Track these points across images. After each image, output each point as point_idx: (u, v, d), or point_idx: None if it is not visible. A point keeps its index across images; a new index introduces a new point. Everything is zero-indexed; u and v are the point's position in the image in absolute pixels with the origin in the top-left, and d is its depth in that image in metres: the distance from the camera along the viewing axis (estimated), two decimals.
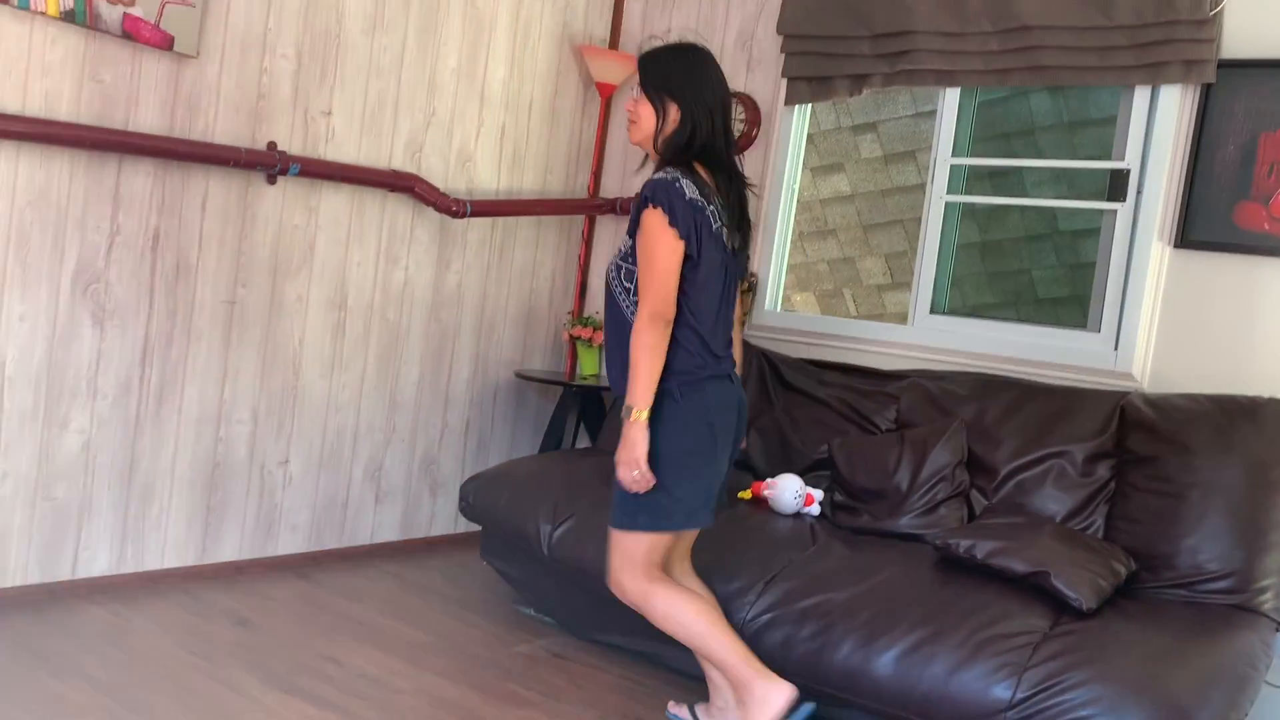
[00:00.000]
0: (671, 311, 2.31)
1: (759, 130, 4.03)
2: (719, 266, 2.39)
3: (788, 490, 3.21)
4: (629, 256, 2.39)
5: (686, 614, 2.38)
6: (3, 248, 2.78)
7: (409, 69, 3.67)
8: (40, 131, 2.75)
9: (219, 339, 3.27)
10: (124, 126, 2.96)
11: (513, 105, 4.07)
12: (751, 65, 4.07)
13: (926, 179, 3.73)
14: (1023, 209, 4.40)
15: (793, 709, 2.34)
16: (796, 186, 4.09)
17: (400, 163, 3.69)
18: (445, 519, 4.07)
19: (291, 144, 3.35)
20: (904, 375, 3.45)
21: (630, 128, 2.47)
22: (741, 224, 2.47)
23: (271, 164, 3.25)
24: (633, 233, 2.36)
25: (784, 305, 4.17)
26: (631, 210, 2.37)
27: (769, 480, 3.28)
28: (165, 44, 2.98)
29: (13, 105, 2.74)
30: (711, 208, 2.37)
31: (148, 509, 3.16)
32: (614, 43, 4.41)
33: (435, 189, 3.73)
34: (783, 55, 3.96)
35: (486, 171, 4.01)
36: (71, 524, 3.00)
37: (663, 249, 2.29)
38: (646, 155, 2.52)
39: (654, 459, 2.34)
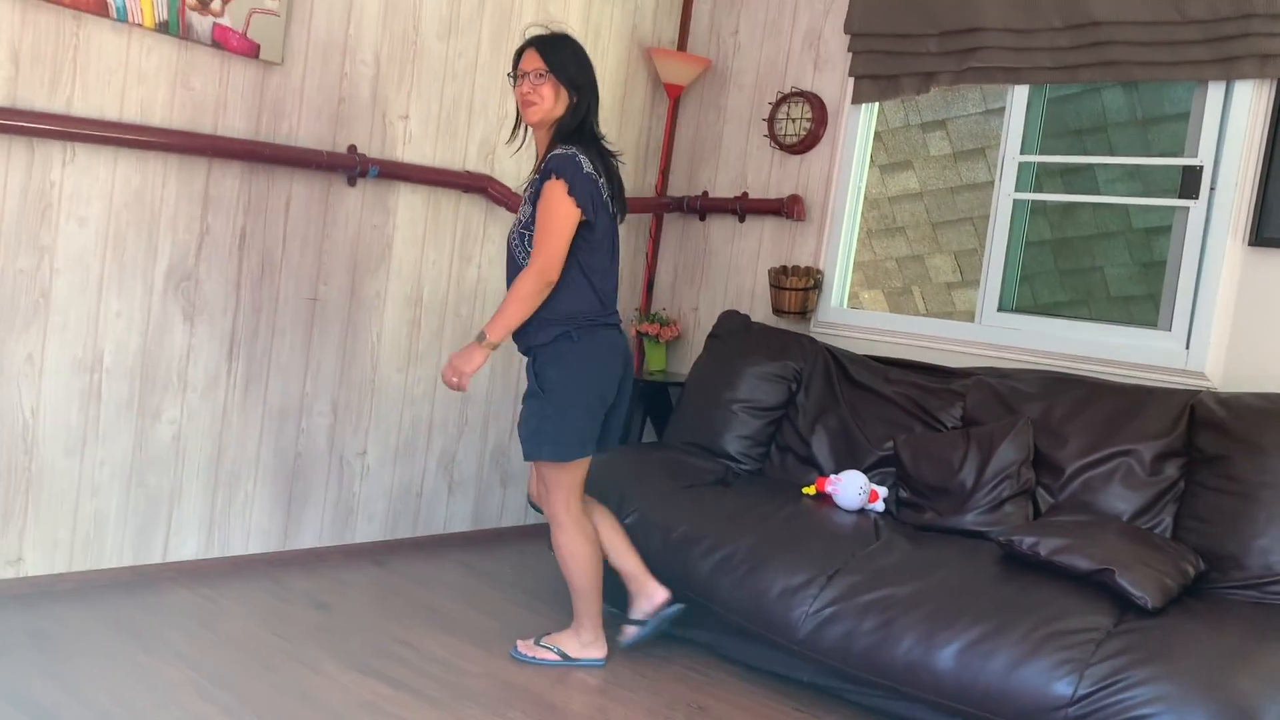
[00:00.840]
0: (557, 273, 2.63)
1: (825, 129, 4.05)
2: (608, 230, 2.75)
3: (852, 486, 3.24)
4: (531, 224, 2.68)
5: (580, 563, 2.81)
6: (101, 247, 2.93)
7: (482, 73, 3.77)
8: (136, 137, 2.90)
9: (301, 334, 3.40)
10: (213, 131, 3.10)
11: None
12: (818, 64, 4.10)
13: (995, 177, 3.71)
14: (1095, 206, 4.35)
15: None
16: (863, 185, 4.10)
17: (474, 164, 3.79)
18: (515, 510, 4.17)
19: (370, 147, 3.47)
20: (970, 372, 3.45)
21: (529, 109, 2.71)
22: (619, 194, 2.80)
23: (351, 166, 3.37)
24: (534, 201, 2.66)
25: (850, 302, 4.19)
26: (534, 182, 2.68)
27: (833, 476, 3.31)
28: (252, 52, 3.12)
29: (111, 112, 2.89)
30: (601, 180, 2.71)
31: (234, 496, 3.31)
32: (682, 44, 4.47)
33: (507, 189, 3.82)
34: (850, 54, 3.98)
35: None
36: (163, 510, 3.16)
37: (559, 215, 2.61)
38: (520, 129, 2.85)
39: (554, 393, 2.69)
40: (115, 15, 2.84)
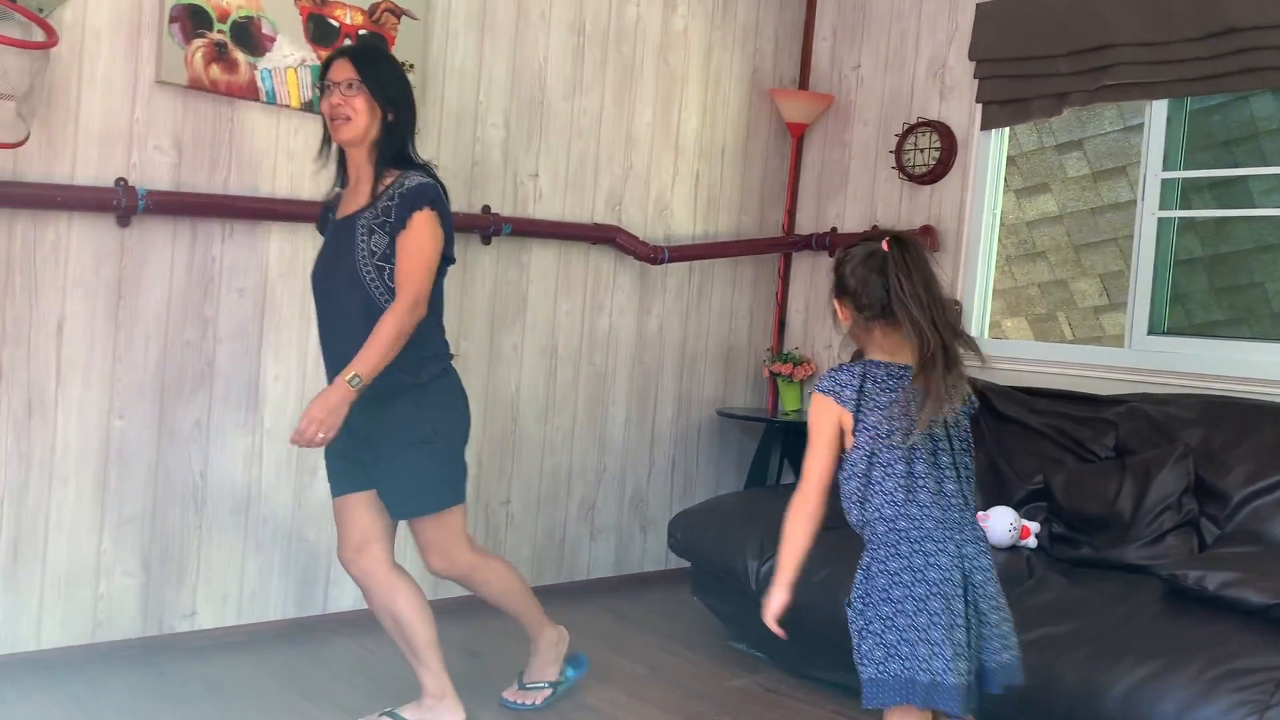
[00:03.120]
0: (425, 309, 2.44)
1: (955, 157, 3.99)
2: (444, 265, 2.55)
3: (1002, 523, 3.13)
4: (390, 256, 2.42)
5: (509, 578, 2.72)
6: (259, 317, 3.12)
7: (607, 128, 3.87)
8: (288, 210, 3.09)
9: None
10: None
11: (706, 152, 4.20)
12: (944, 93, 4.04)
13: (1138, 195, 3.58)
14: (1250, 219, 4.13)
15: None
16: (999, 211, 4.01)
17: (601, 216, 3.88)
18: (656, 555, 4.19)
19: (503, 206, 3.60)
20: (1122, 400, 3.31)
21: (343, 124, 2.43)
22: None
23: (486, 226, 3.50)
24: (393, 232, 2.40)
25: (992, 332, 4.08)
26: (393, 212, 2.41)
27: (981, 513, 3.21)
28: None
29: (264, 189, 3.09)
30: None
31: None
32: (803, 83, 4.48)
33: (635, 238, 3.89)
34: (976, 80, 3.91)
35: (683, 217, 4.15)
36: (321, 563, 3.30)
37: (432, 248, 2.43)
38: (328, 152, 2.57)
39: (445, 434, 2.51)
40: (265, 99, 3.04)
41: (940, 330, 1.85)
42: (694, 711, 2.85)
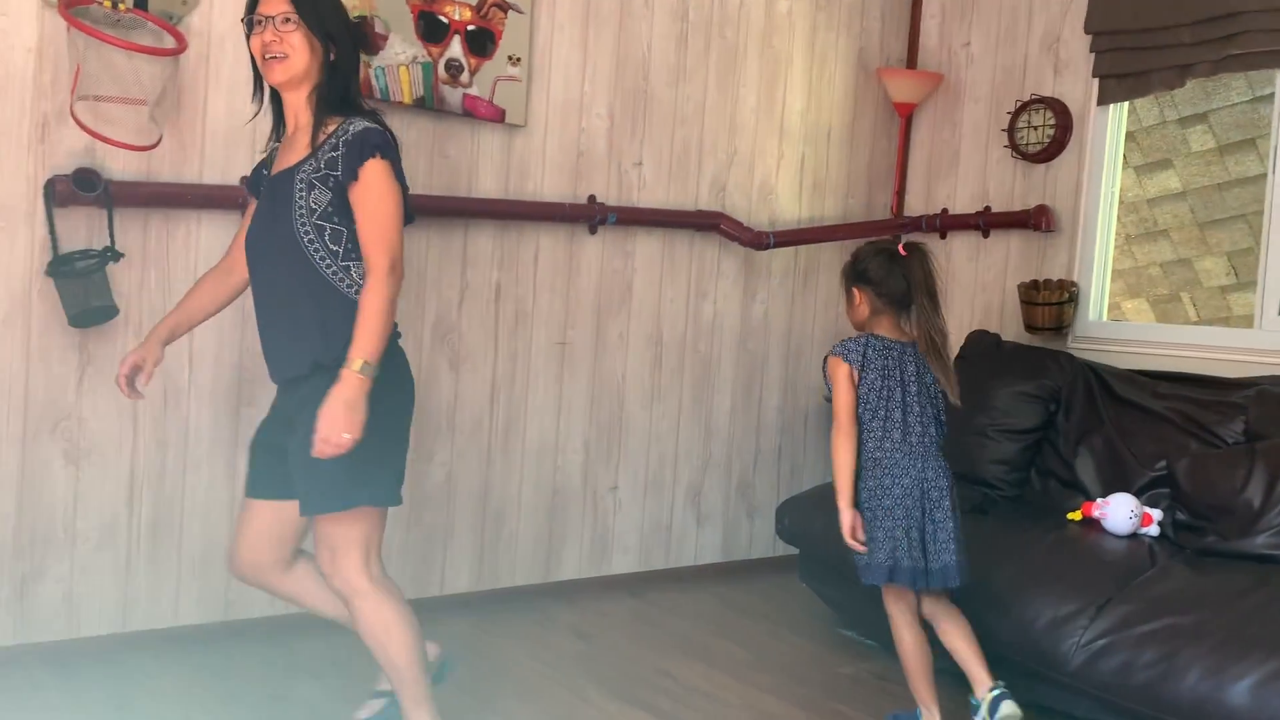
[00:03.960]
0: (403, 269, 2.13)
1: (1071, 134, 3.86)
2: None
3: (1122, 510, 3.05)
4: (334, 215, 2.09)
5: (398, 635, 2.15)
6: None
7: (710, 114, 3.87)
8: None
9: (553, 377, 3.59)
10: (467, 194, 3.35)
11: (811, 135, 4.16)
12: (1059, 69, 3.92)
13: (1269, 168, 3.42)
14: None
15: None
16: (1117, 188, 3.87)
17: (705, 202, 3.88)
18: (763, 541, 4.19)
19: (608, 195, 3.63)
20: (1251, 383, 3.17)
21: (277, 65, 2.09)
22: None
23: (592, 215, 3.54)
24: (339, 186, 2.08)
25: (1111, 314, 3.95)
26: (338, 163, 2.08)
27: (1100, 500, 3.13)
28: (498, 117, 3.35)
29: None
30: None
31: (500, 531, 3.52)
32: (911, 61, 4.40)
33: (739, 224, 3.89)
34: (1092, 54, 3.78)
35: (788, 202, 4.13)
36: (438, 545, 3.41)
37: (394, 199, 2.10)
38: (260, 99, 2.24)
39: (385, 419, 2.10)
40: (379, 96, 3.13)
41: (938, 323, 2.54)
42: (803, 697, 2.86)
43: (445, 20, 3.22)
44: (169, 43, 2.74)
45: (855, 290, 2.60)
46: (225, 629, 3.05)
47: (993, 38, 4.14)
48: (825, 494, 3.47)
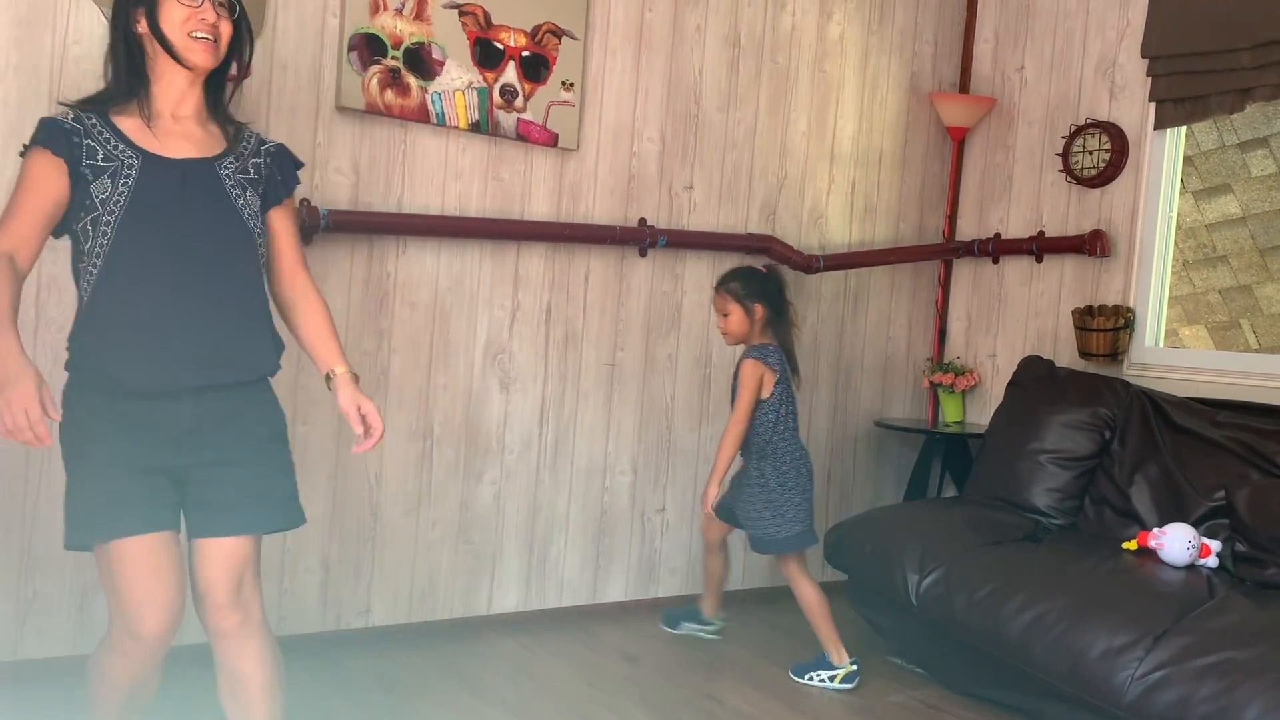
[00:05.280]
0: None
1: (1127, 158, 3.82)
2: None
3: (1179, 540, 2.99)
4: (260, 219, 2.02)
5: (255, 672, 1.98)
6: (430, 328, 3.27)
7: (761, 138, 3.88)
8: (457, 227, 3.23)
9: (602, 398, 3.61)
10: (520, 216, 3.39)
11: (862, 159, 4.16)
12: (1114, 92, 3.88)
13: None
14: None
15: None
16: (1174, 213, 3.82)
17: (755, 225, 3.89)
18: (812, 566, 4.14)
19: (659, 218, 3.66)
20: None
21: (209, 47, 1.92)
22: None
23: (642, 238, 3.57)
24: (272, 199, 2.04)
25: (1168, 341, 3.89)
26: (266, 172, 2.03)
27: (1157, 530, 3.07)
28: (551, 141, 3.39)
29: (434, 207, 3.24)
30: None
31: (548, 552, 3.54)
32: (964, 86, 4.38)
33: (789, 246, 3.89)
34: (1149, 78, 3.75)
35: (838, 225, 4.12)
36: (486, 565, 3.43)
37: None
38: (123, 83, 1.97)
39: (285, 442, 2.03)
40: (435, 121, 3.19)
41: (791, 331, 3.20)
42: None
43: (501, 47, 3.28)
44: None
45: (757, 306, 3.10)
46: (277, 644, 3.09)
47: (1047, 62, 4.12)
48: (876, 519, 3.45)
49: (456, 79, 3.22)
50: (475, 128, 3.26)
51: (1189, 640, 2.46)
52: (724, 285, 3.15)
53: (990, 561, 3.00)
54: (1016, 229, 4.19)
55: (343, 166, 3.10)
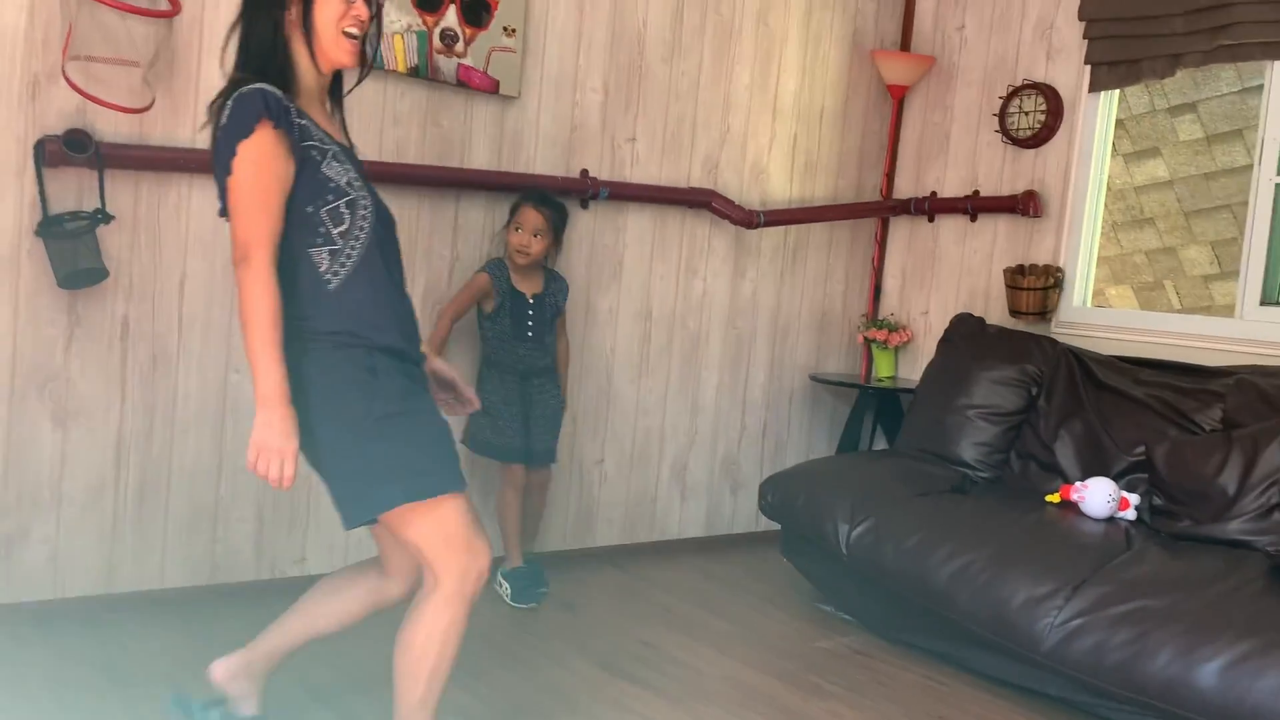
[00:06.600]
0: None
1: (1061, 120, 3.89)
2: None
3: (1100, 493, 3.10)
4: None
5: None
6: None
7: (705, 91, 3.87)
8: (394, 173, 3.17)
9: None
10: (460, 164, 3.35)
11: (804, 115, 4.17)
12: (1051, 54, 3.94)
13: (1255, 159, 3.45)
14: None
15: None
16: (1105, 175, 3.91)
17: (698, 180, 3.89)
18: (746, 517, 4.23)
19: (601, 170, 3.64)
20: (1230, 371, 3.22)
21: (355, 45, 1.98)
22: None
23: (584, 190, 3.55)
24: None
25: (1095, 300, 3.99)
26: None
27: (1079, 483, 3.17)
28: (492, 88, 3.35)
29: (371, 153, 3.18)
30: None
31: (487, 504, 3.54)
32: (905, 44, 4.41)
33: (730, 202, 3.90)
34: (1085, 41, 3.80)
35: (779, 182, 4.14)
36: None
37: None
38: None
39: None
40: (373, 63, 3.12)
41: None
42: (782, 670, 2.90)
43: None
44: (163, 4, 2.72)
45: (552, 235, 3.28)
46: (210, 592, 3.06)
47: (987, 22, 4.15)
48: (809, 471, 3.51)
49: (395, 21, 3.15)
50: (414, 72, 3.20)
51: (1106, 589, 2.56)
52: (552, 213, 3.25)
53: (918, 512, 3.08)
54: (953, 188, 4.25)
55: None
